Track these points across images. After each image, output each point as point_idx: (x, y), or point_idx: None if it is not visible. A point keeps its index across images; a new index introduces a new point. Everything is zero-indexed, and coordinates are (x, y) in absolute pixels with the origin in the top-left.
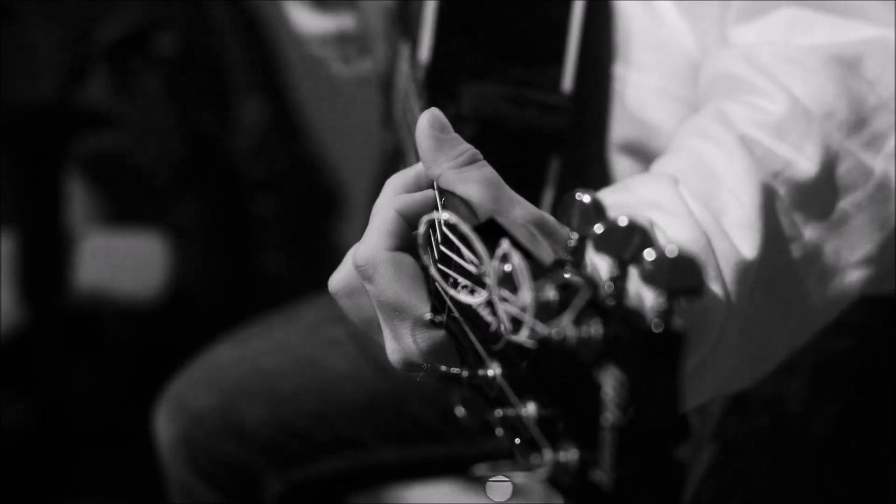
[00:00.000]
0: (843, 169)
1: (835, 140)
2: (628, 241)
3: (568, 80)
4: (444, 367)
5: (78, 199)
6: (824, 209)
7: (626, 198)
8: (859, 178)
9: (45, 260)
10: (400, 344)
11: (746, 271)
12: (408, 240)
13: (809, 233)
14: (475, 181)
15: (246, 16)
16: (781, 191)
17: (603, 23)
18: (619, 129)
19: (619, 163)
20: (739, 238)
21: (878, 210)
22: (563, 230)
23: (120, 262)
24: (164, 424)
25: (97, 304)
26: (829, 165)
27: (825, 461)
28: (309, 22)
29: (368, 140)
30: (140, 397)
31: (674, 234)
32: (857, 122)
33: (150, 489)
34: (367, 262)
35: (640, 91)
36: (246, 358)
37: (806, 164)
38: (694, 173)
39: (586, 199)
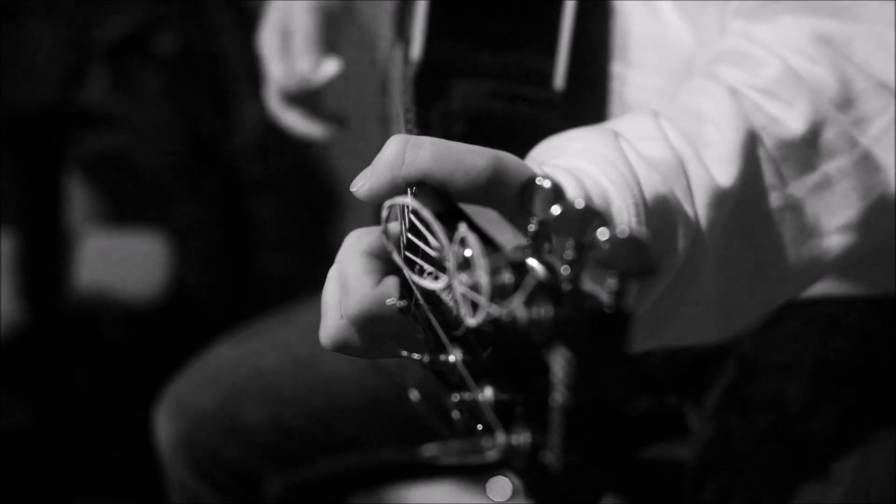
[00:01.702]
0: (829, 134)
1: (824, 108)
2: (585, 224)
3: (560, 77)
4: (404, 353)
5: (78, 199)
6: (808, 169)
7: (603, 128)
8: (845, 145)
9: (45, 260)
10: None
11: (720, 198)
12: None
13: (791, 189)
14: (427, 161)
15: (246, 16)
16: (768, 143)
17: (600, 21)
18: None
19: None
20: (716, 168)
21: (861, 179)
22: (525, 167)
23: (120, 262)
24: (164, 425)
25: (97, 304)
26: (816, 128)
27: (825, 461)
28: (287, 118)
29: (368, 140)
30: (140, 397)
31: (646, 151)
32: (845, 102)
33: (150, 489)
34: (365, 314)
35: (639, 90)
36: (246, 358)
37: (794, 123)
38: (680, 116)
39: (546, 183)
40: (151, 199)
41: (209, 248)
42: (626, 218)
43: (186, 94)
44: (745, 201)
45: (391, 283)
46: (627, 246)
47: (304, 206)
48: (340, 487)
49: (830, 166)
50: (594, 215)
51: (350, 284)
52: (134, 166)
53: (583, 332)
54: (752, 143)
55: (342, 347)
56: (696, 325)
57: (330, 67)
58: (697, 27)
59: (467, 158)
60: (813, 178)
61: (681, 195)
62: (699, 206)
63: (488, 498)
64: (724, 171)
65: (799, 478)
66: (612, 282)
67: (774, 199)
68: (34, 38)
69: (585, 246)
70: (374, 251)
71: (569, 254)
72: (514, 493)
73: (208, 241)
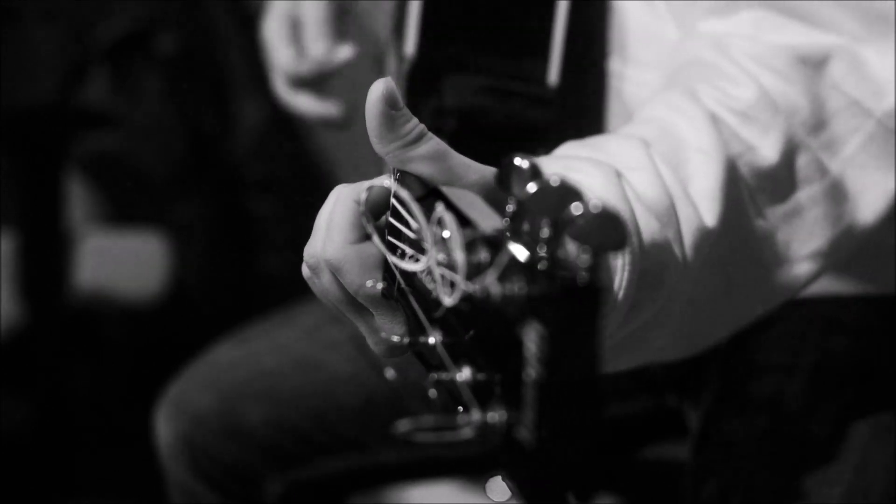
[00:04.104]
0: (801, 162)
1: (797, 134)
2: (561, 202)
3: (554, 73)
4: (383, 335)
5: (78, 199)
6: (781, 197)
7: (593, 153)
8: (815, 173)
9: (45, 260)
10: (379, 337)
11: (705, 239)
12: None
13: (764, 217)
14: (422, 157)
15: (246, 16)
16: (744, 171)
17: (597, 17)
18: (618, 125)
19: None
20: (703, 207)
21: (830, 207)
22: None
23: (120, 262)
24: (164, 425)
25: (97, 304)
26: (789, 156)
27: (824, 461)
28: (300, 102)
29: (366, 138)
30: (140, 397)
31: (642, 190)
32: (818, 124)
33: (150, 490)
34: (334, 257)
35: (638, 87)
36: (246, 359)
37: (768, 152)
38: (662, 141)
39: (524, 164)
40: (151, 199)
41: (209, 248)
42: (618, 268)
43: (186, 94)
44: (724, 234)
45: (374, 249)
46: (601, 221)
47: (304, 206)
48: (340, 487)
49: (802, 195)
50: (570, 193)
51: (334, 227)
52: (134, 166)
53: (556, 306)
54: (732, 176)
55: (315, 272)
56: (660, 349)
57: (344, 52)
58: (684, 27)
59: (458, 174)
60: (785, 206)
61: (671, 237)
62: (687, 247)
63: (488, 498)
64: (710, 211)
65: (798, 478)
66: (585, 257)
67: (749, 228)
68: (34, 38)
69: (561, 224)
70: (363, 206)
71: (545, 232)
72: (514, 494)
73: (208, 241)
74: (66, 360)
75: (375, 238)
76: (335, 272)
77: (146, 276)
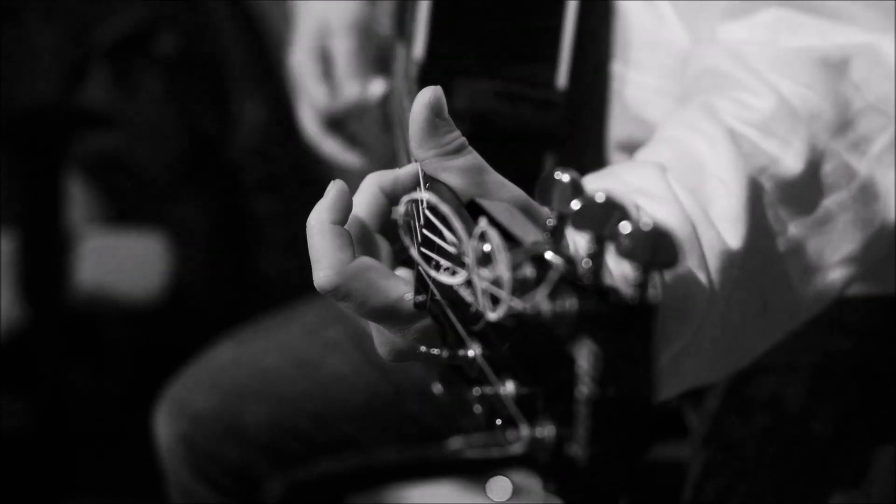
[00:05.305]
0: (827, 168)
1: (820, 140)
2: (606, 218)
3: (562, 77)
4: (423, 349)
5: (78, 199)
6: (809, 207)
7: (612, 183)
8: (843, 178)
9: (45, 260)
10: (387, 338)
11: (731, 261)
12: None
13: (793, 229)
14: (458, 168)
15: (246, 16)
16: (767, 186)
17: (601, 20)
18: (619, 127)
19: (619, 161)
20: (725, 229)
21: (861, 210)
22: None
23: (120, 262)
24: (164, 425)
25: (97, 304)
26: (814, 164)
27: (825, 461)
28: (327, 146)
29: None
30: (140, 398)
31: (660, 220)
32: (843, 125)
33: (149, 490)
34: (334, 287)
35: (639, 90)
36: (246, 359)
37: (792, 162)
38: (680, 163)
39: (565, 178)
40: (151, 199)
41: (209, 248)
42: None
43: (186, 95)
44: (752, 253)
45: (375, 263)
46: (651, 238)
47: (304, 206)
48: (340, 487)
49: (830, 201)
50: (615, 208)
51: (317, 258)
52: (134, 166)
53: (608, 324)
54: (756, 193)
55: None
56: (701, 375)
57: (377, 87)
58: (694, 30)
59: (491, 191)
60: (814, 215)
61: (695, 265)
62: (713, 272)
63: (488, 498)
64: (734, 232)
65: (799, 478)
66: (636, 274)
67: (778, 243)
68: (34, 38)
69: (606, 239)
70: (343, 221)
71: (589, 247)
72: (514, 494)
73: (208, 241)
74: (66, 360)
75: (412, 250)
76: (342, 299)
77: (146, 276)
